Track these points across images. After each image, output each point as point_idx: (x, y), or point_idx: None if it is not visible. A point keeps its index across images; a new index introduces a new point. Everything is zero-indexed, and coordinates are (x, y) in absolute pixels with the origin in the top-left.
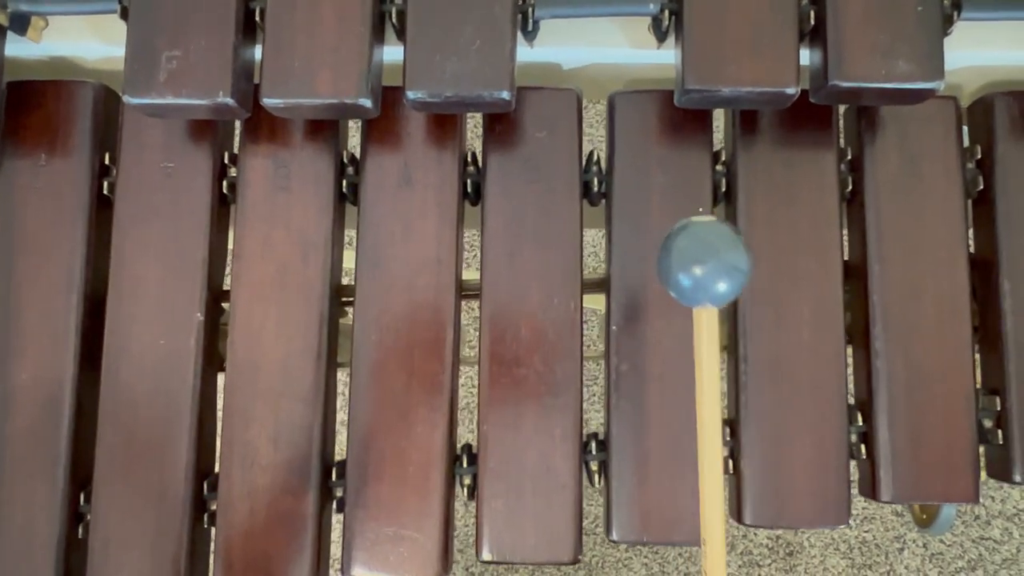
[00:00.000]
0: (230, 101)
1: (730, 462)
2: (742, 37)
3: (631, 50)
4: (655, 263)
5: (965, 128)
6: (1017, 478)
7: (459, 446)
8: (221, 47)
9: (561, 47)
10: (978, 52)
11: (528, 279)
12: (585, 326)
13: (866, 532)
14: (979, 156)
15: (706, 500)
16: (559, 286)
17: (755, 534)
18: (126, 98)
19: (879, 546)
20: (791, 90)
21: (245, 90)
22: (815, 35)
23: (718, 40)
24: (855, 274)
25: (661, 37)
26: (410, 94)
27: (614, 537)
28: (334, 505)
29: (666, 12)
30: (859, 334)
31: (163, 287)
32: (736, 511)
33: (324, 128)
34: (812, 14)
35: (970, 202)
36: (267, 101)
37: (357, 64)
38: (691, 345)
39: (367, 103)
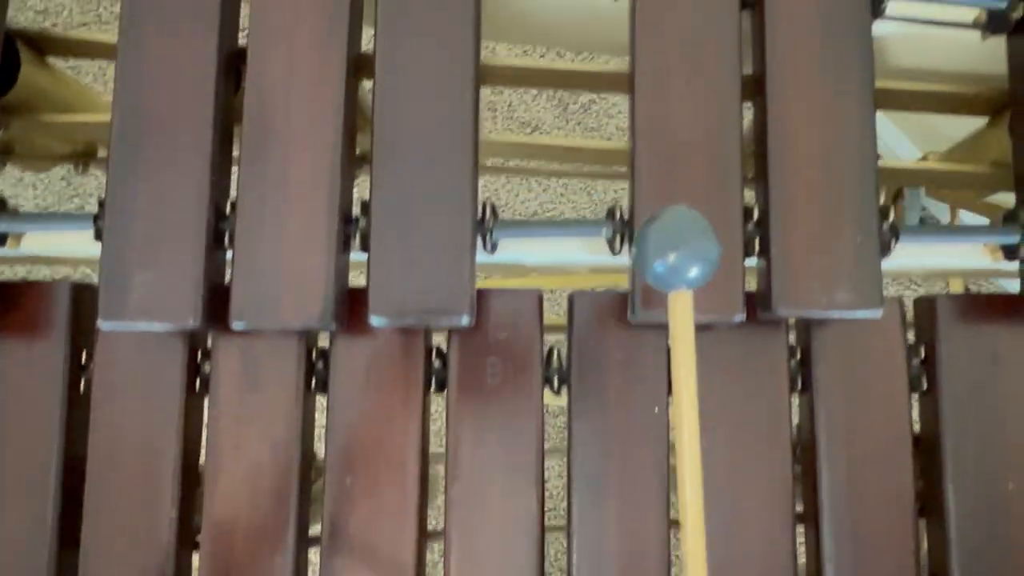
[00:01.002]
0: (200, 325)
1: None
2: None
3: (590, 255)
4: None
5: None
6: None
7: None
8: (190, 273)
9: (522, 252)
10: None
11: (491, 471)
12: None
13: None
14: (922, 354)
15: (686, 481)
16: (521, 482)
17: None
18: (100, 322)
19: None
20: (737, 318)
21: (215, 313)
22: (761, 255)
23: None
24: (805, 458)
25: (615, 253)
26: (373, 319)
27: None
28: None
29: (618, 236)
30: (810, 515)
31: (136, 482)
32: None
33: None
34: (757, 240)
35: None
36: (235, 324)
37: (321, 290)
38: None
39: (330, 327)
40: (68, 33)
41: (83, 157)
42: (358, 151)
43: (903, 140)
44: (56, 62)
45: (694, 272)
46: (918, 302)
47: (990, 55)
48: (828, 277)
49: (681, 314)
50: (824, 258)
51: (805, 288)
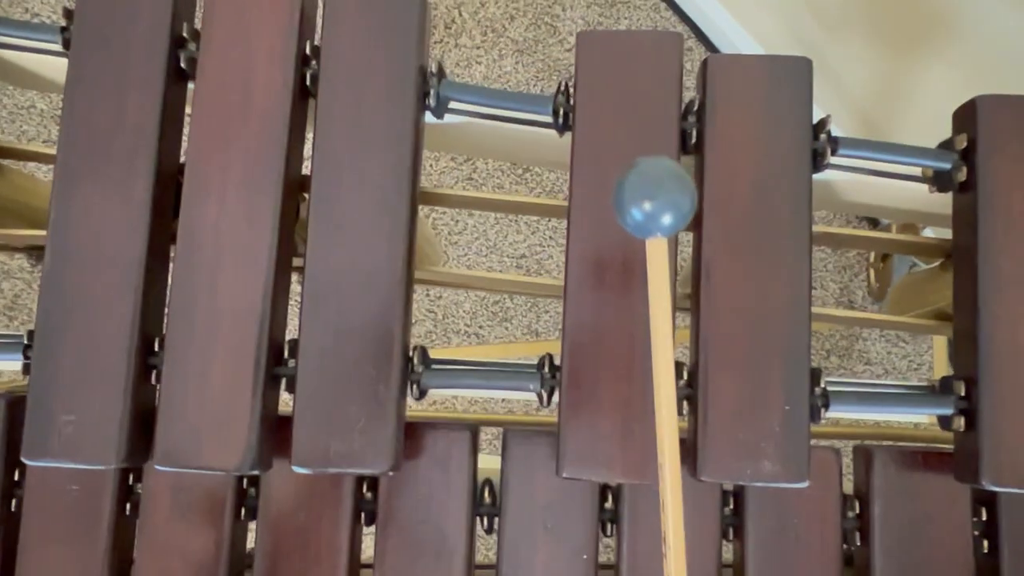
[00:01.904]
0: (124, 465)
1: None
2: (615, 426)
3: (519, 395)
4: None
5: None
6: None
7: None
8: (114, 413)
9: (451, 390)
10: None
11: None
12: None
13: None
14: (858, 508)
15: (662, 436)
16: None
17: None
18: (25, 459)
19: None
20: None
21: (139, 449)
22: (691, 416)
23: (591, 429)
24: None
25: (545, 405)
26: (296, 468)
27: None
28: None
29: (545, 391)
30: None
31: None
32: None
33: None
34: (685, 401)
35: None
36: (158, 467)
37: (243, 436)
38: None
39: (253, 471)
40: (18, 145)
41: (39, 251)
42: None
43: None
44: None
45: (668, 220)
46: (856, 451)
47: (943, 200)
48: (753, 446)
49: (657, 260)
50: (750, 425)
51: (729, 457)
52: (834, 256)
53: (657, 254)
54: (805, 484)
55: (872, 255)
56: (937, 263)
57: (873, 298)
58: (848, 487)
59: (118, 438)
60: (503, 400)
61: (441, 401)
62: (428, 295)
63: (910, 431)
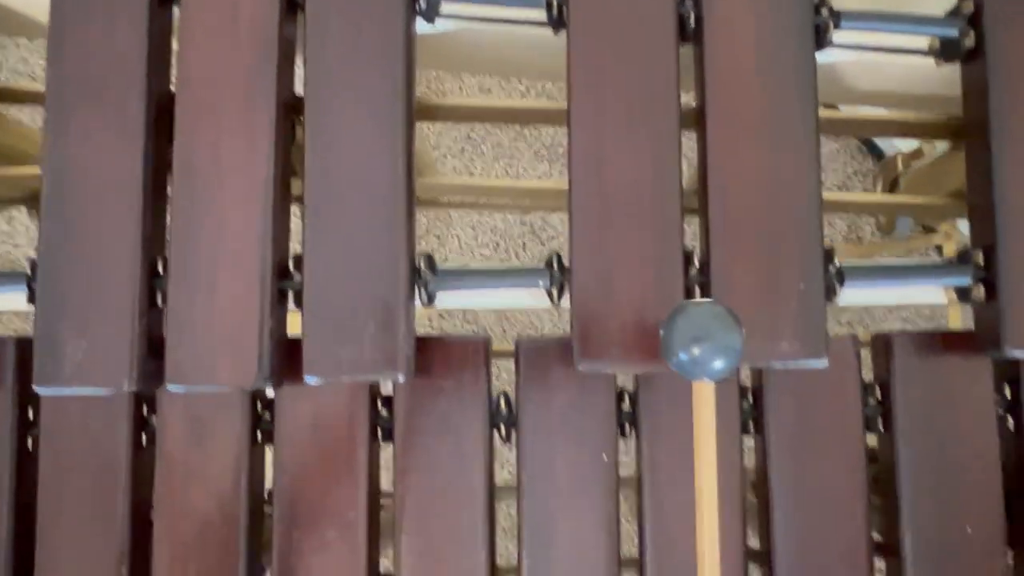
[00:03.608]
0: (135, 388)
1: None
2: (627, 315)
3: (534, 300)
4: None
5: None
6: None
7: None
8: (124, 336)
9: (466, 299)
10: (892, 295)
11: (441, 521)
12: None
13: None
14: (878, 394)
15: (705, 554)
16: (468, 539)
17: None
18: (36, 387)
19: None
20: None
21: (152, 373)
22: None
23: (605, 319)
24: (759, 499)
25: (556, 303)
26: (308, 378)
27: None
28: None
29: (555, 288)
30: (763, 556)
31: (85, 537)
32: None
33: None
34: (698, 287)
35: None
36: (171, 387)
37: (255, 350)
38: None
39: (266, 386)
40: (9, 83)
41: (34, 200)
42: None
43: None
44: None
45: (718, 364)
46: (875, 340)
47: (950, 79)
48: (770, 327)
49: (703, 403)
50: (765, 307)
51: (747, 338)
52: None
53: (704, 398)
54: (824, 362)
55: (879, 186)
56: (947, 151)
57: (882, 232)
58: (868, 378)
59: (130, 361)
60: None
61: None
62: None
63: None
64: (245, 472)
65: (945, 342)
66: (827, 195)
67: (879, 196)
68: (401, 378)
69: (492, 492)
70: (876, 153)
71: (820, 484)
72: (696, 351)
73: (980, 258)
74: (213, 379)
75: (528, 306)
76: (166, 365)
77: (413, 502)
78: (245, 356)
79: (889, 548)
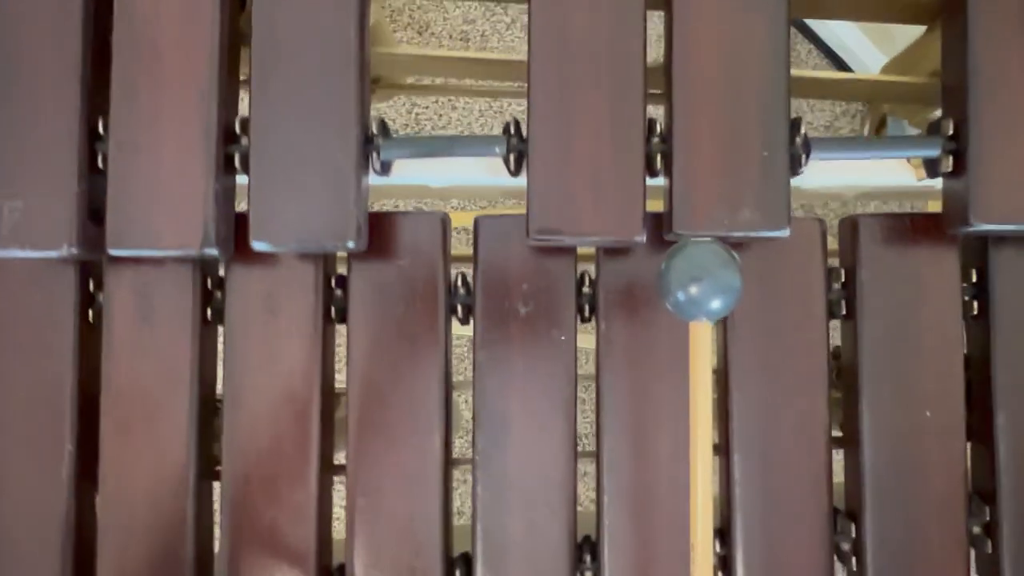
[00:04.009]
0: (75, 252)
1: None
2: (586, 184)
3: (491, 176)
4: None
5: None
6: None
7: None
8: (64, 199)
9: (423, 172)
10: (858, 176)
11: (390, 407)
12: None
13: None
14: (843, 278)
15: (697, 498)
16: (421, 415)
17: None
18: None
19: None
20: (638, 238)
21: (94, 238)
22: (666, 173)
23: (562, 188)
24: (719, 386)
25: (514, 173)
26: (255, 244)
27: None
28: None
29: (512, 155)
30: (722, 444)
31: (33, 416)
32: None
33: (187, 258)
34: (660, 156)
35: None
36: (112, 251)
37: (200, 214)
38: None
39: (212, 252)
40: None
41: None
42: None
43: (866, 45)
44: None
45: (715, 304)
46: (842, 223)
47: None
48: (732, 195)
49: (700, 343)
50: (728, 175)
51: (707, 207)
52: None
53: (701, 338)
54: (786, 232)
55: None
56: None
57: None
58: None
59: (70, 224)
60: None
61: None
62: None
63: None
64: (195, 351)
65: (913, 224)
66: (799, 72)
67: (857, 75)
68: (351, 245)
69: (449, 375)
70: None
71: (780, 370)
72: (694, 290)
73: (950, 128)
74: (156, 243)
75: (486, 183)
76: (107, 229)
77: (365, 386)
78: (190, 220)
79: (848, 438)
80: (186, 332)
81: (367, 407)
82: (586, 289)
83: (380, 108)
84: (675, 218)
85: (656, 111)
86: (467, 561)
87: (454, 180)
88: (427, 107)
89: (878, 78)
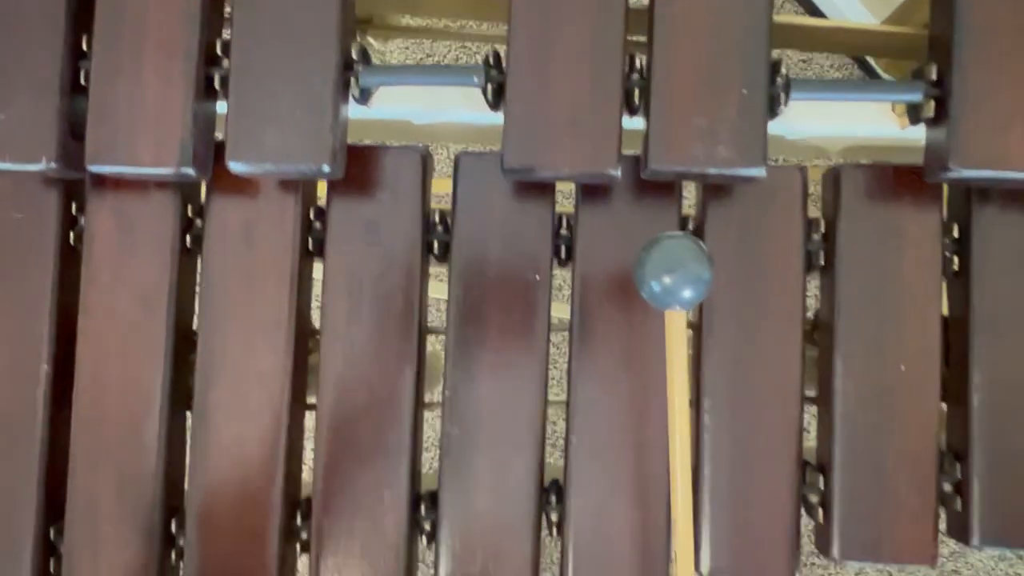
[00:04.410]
0: (55, 166)
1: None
2: (563, 118)
3: (471, 112)
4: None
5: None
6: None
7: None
8: (46, 113)
9: (404, 106)
10: (842, 125)
11: (363, 339)
12: None
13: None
14: (822, 229)
15: (677, 480)
16: (393, 349)
17: None
18: None
19: None
20: (612, 172)
21: (74, 154)
22: (644, 110)
23: (538, 120)
24: (695, 337)
25: (493, 106)
26: (231, 165)
27: None
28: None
29: (489, 86)
30: (692, 398)
31: (9, 336)
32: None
33: (168, 184)
34: (637, 92)
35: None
36: (91, 168)
37: (177, 132)
38: (525, 406)
39: (189, 171)
40: None
41: None
42: None
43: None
44: None
45: (688, 293)
46: (825, 175)
47: None
48: (709, 132)
49: (675, 331)
50: (705, 112)
51: (684, 144)
52: None
53: (676, 326)
54: (762, 171)
55: None
56: None
57: None
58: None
59: (50, 137)
60: None
61: None
62: None
63: None
64: (172, 277)
65: (896, 176)
66: (787, 19)
67: (848, 23)
68: (326, 169)
69: (423, 311)
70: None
71: (754, 319)
72: (668, 280)
73: (933, 73)
74: (134, 160)
75: (466, 120)
76: (86, 145)
77: (338, 317)
78: (168, 139)
79: (822, 391)
80: (165, 259)
81: (339, 343)
82: (564, 232)
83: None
84: (651, 154)
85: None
86: (433, 498)
87: (436, 117)
88: (422, 47)
89: (868, 27)
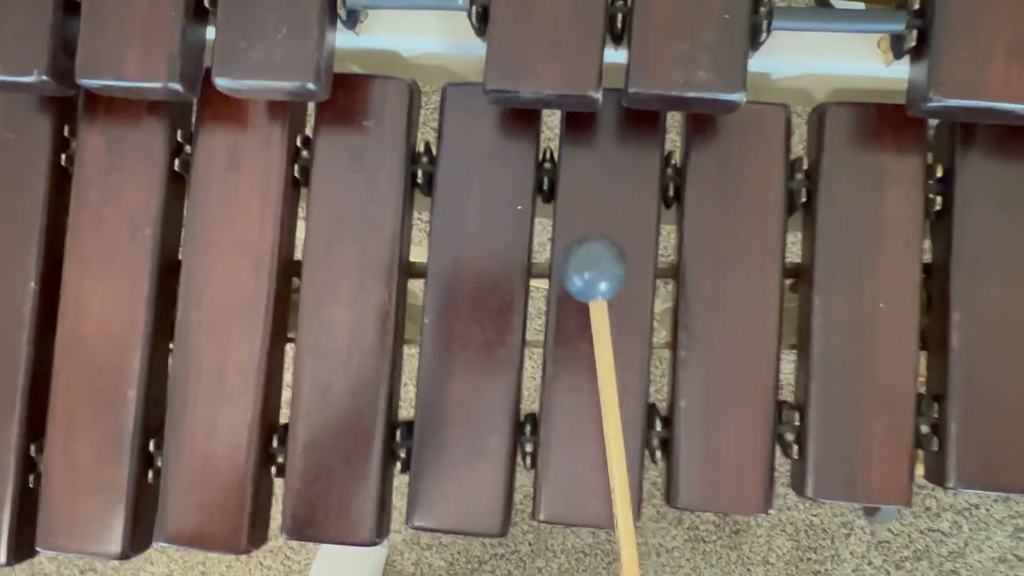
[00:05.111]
0: (46, 79)
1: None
2: (545, 38)
3: (456, 42)
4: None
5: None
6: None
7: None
8: (39, 24)
9: (392, 35)
10: (827, 62)
11: (344, 269)
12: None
13: (814, 516)
14: (805, 168)
15: (614, 479)
16: (373, 278)
17: None
18: None
19: (826, 530)
20: (593, 94)
21: (66, 70)
22: (626, 35)
23: (520, 40)
24: (675, 276)
25: (479, 32)
26: (218, 81)
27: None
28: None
29: (474, 8)
30: (671, 340)
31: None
32: (666, 494)
33: (159, 108)
34: (620, 17)
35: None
36: (82, 81)
37: (166, 48)
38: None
39: (176, 87)
40: None
41: None
42: None
43: None
44: None
45: (603, 286)
46: (811, 114)
47: None
48: (689, 56)
49: (599, 320)
50: (686, 36)
51: (664, 67)
52: None
53: (599, 315)
54: (741, 97)
55: None
56: None
57: None
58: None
59: (42, 50)
60: None
61: None
62: None
63: None
64: (160, 201)
65: (880, 114)
66: None
67: None
68: (311, 87)
69: (404, 241)
70: None
71: (733, 255)
72: (587, 276)
73: (916, 3)
74: (123, 75)
75: (454, 53)
76: (77, 59)
77: (320, 244)
78: (157, 55)
79: (801, 331)
80: (154, 182)
81: (320, 271)
82: (548, 165)
83: None
84: (631, 78)
85: None
86: (410, 427)
87: (423, 47)
88: None
89: None
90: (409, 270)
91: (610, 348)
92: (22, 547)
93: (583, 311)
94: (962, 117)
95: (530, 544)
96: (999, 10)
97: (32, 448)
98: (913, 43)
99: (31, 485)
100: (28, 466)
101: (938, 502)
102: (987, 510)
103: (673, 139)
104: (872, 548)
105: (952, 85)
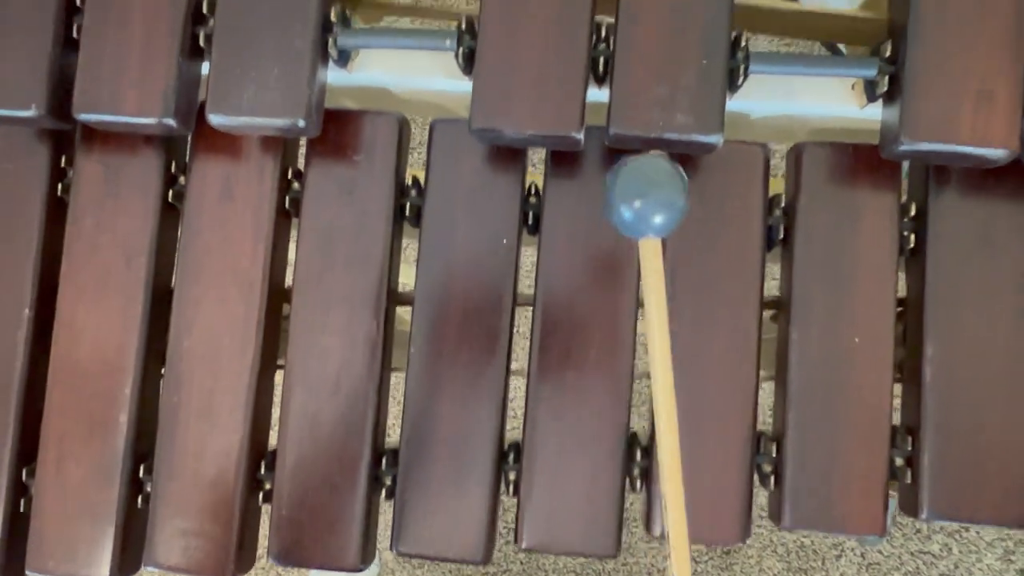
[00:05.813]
0: (44, 113)
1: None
2: (529, 79)
3: (446, 79)
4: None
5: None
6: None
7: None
8: (38, 60)
9: (383, 72)
10: (804, 103)
11: (334, 298)
12: None
13: (805, 537)
14: (783, 204)
15: (662, 441)
16: (362, 307)
17: None
18: None
19: (817, 551)
20: (575, 134)
21: (64, 105)
22: (609, 77)
23: (505, 81)
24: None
25: (465, 71)
26: (211, 118)
27: None
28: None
29: (461, 50)
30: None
31: None
32: (646, 523)
33: (154, 140)
34: (603, 59)
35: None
36: (79, 116)
37: (162, 84)
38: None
39: (171, 123)
40: None
41: None
42: None
43: None
44: None
45: (659, 219)
46: (789, 152)
47: None
48: (669, 100)
49: (650, 260)
50: (666, 79)
51: (644, 109)
52: None
53: (651, 257)
54: (719, 139)
55: None
56: None
57: None
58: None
59: (40, 85)
60: None
61: None
62: None
63: None
64: (154, 228)
65: (856, 154)
66: (755, 1)
67: (817, 8)
68: (301, 124)
69: (393, 273)
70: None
71: (713, 291)
72: (639, 205)
73: (888, 49)
74: (119, 110)
75: (444, 89)
76: (75, 94)
77: (309, 279)
78: (153, 90)
79: (779, 363)
80: (148, 211)
81: (310, 300)
82: (533, 200)
83: None
84: (613, 119)
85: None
86: (395, 454)
87: (413, 84)
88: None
89: (837, 12)
90: (397, 298)
91: (664, 299)
92: (11, 571)
93: (567, 336)
94: (932, 160)
95: (522, 563)
96: (968, 58)
97: (24, 472)
98: (885, 88)
99: (21, 509)
100: (19, 490)
101: (928, 524)
102: (977, 532)
103: None
104: (863, 570)
105: (922, 129)
